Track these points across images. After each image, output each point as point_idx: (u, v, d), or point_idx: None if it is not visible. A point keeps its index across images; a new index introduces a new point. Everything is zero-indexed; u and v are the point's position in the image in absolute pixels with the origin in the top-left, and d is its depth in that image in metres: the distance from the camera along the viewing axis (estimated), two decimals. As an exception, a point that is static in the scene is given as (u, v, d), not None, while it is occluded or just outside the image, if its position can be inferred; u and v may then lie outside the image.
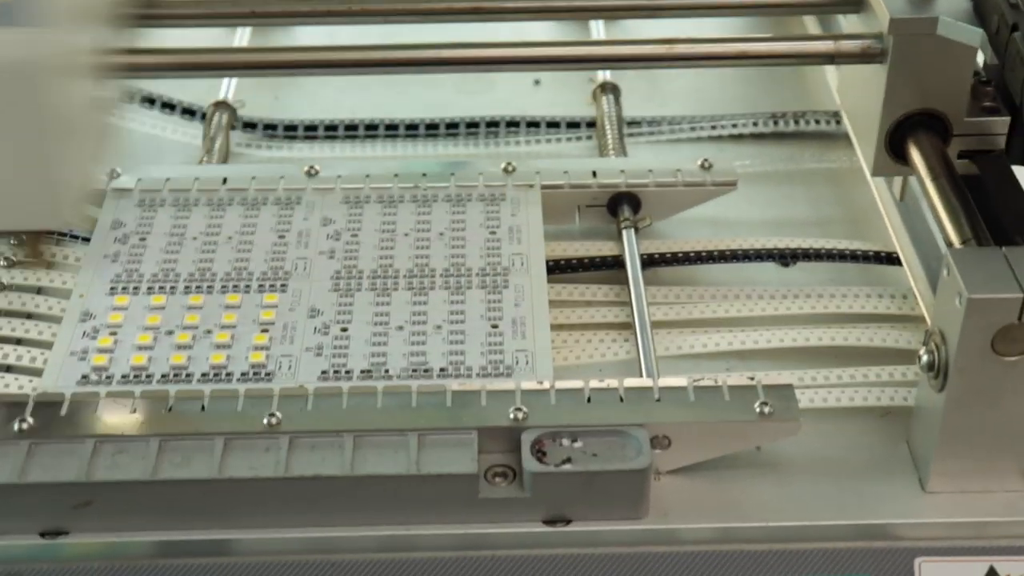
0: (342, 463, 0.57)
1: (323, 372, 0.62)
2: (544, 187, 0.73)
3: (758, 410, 0.58)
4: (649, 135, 0.83)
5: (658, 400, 0.60)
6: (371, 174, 0.74)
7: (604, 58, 0.76)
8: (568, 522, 0.58)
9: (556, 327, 0.66)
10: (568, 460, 0.57)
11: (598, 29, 0.90)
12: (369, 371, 0.62)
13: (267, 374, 0.62)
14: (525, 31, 0.85)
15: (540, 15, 0.75)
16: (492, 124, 0.84)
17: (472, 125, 0.84)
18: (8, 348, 0.63)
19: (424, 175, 0.74)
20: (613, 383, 0.60)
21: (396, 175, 0.74)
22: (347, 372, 0.62)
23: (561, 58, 0.73)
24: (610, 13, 0.83)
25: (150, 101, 0.84)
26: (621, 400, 0.60)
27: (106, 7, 0.57)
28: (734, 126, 0.83)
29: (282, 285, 0.67)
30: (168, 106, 0.84)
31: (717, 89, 0.88)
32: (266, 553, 0.58)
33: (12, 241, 0.68)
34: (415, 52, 0.69)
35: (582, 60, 0.74)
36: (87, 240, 0.70)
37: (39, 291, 0.68)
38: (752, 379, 0.60)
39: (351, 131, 0.84)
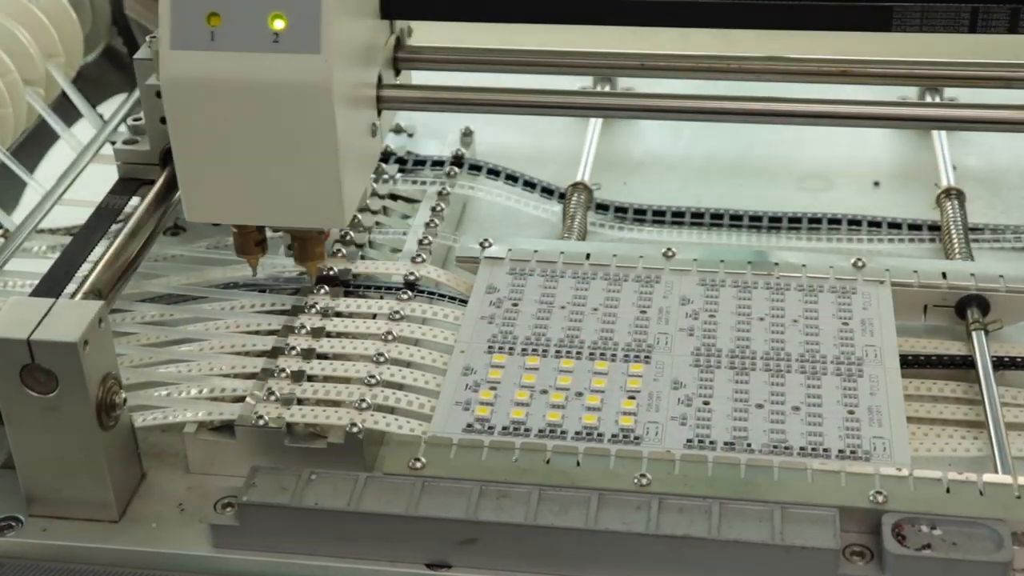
0: (709, 526, 0.61)
1: (688, 440, 0.66)
2: (894, 284, 0.76)
3: (1123, 516, 0.60)
4: (993, 241, 0.84)
5: (1018, 497, 0.61)
6: (725, 260, 0.78)
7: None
8: (922, 607, 0.60)
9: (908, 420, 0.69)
10: (927, 546, 0.60)
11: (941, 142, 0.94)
12: (732, 443, 0.66)
13: (636, 438, 0.66)
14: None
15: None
16: (834, 221, 0.87)
17: (814, 221, 0.87)
18: (400, 394, 0.70)
19: (776, 264, 0.78)
20: (972, 476, 0.63)
21: (750, 263, 0.78)
22: (711, 442, 0.66)
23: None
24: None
25: (513, 179, 0.91)
26: (981, 494, 0.62)
27: (376, 51, 0.72)
28: (1082, 237, 0.84)
29: (646, 357, 0.71)
30: (529, 184, 0.90)
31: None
32: (620, 605, 0.62)
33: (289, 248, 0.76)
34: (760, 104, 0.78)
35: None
36: (462, 301, 0.77)
37: (417, 343, 0.74)
38: (1115, 485, 0.61)
39: (697, 218, 0.88)
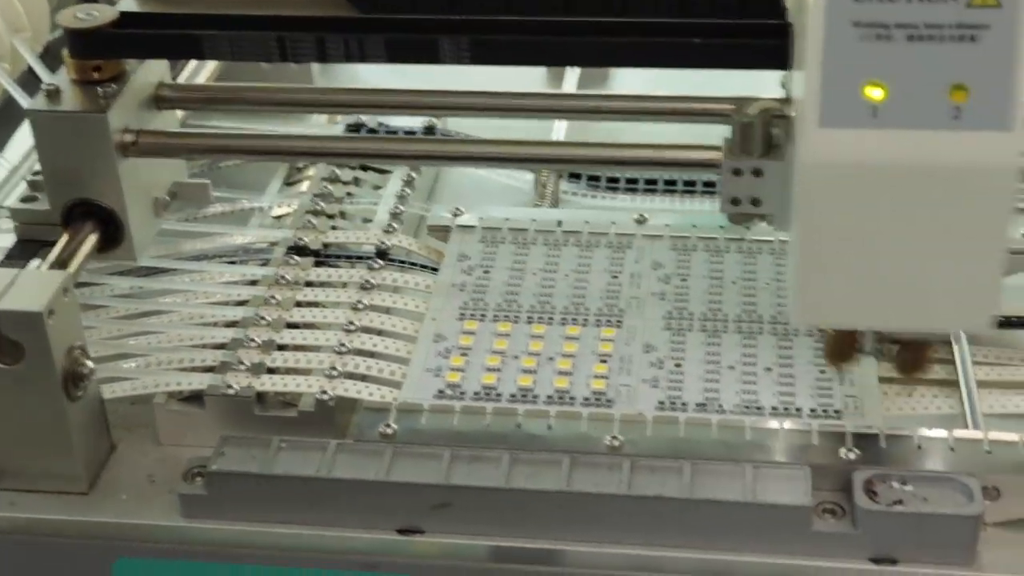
0: (681, 486, 0.61)
1: (660, 402, 0.66)
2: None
3: (1092, 468, 0.60)
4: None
5: (988, 452, 0.61)
6: (697, 224, 0.78)
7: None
8: (894, 563, 0.60)
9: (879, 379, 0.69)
10: (899, 502, 0.60)
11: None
12: (704, 404, 0.66)
13: (607, 401, 0.66)
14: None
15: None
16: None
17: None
18: (371, 361, 0.69)
19: (748, 228, 0.77)
20: (942, 433, 0.63)
21: (721, 227, 0.78)
22: (683, 404, 0.66)
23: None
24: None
25: (484, 148, 0.90)
26: (951, 450, 0.62)
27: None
28: None
29: (618, 321, 0.71)
30: (501, 153, 0.90)
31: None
32: (593, 567, 0.62)
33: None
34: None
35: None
36: (433, 270, 0.77)
37: (388, 311, 0.74)
38: (1085, 438, 0.61)
39: (670, 185, 0.88)
